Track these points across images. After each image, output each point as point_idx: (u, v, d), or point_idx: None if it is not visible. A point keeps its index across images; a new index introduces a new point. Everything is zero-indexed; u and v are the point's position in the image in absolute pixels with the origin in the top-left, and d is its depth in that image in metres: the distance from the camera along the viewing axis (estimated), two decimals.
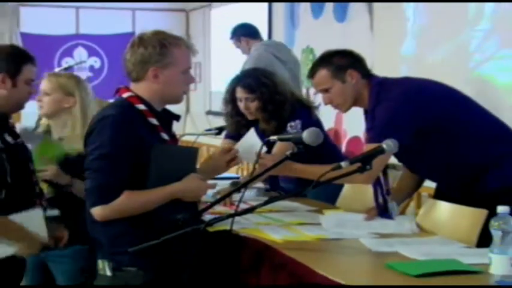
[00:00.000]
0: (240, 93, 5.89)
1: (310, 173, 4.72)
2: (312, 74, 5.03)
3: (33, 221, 4.17)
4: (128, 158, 3.85)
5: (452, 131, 4.83)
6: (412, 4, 7.85)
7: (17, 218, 4.06)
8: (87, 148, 4.00)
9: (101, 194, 3.85)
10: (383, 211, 4.93)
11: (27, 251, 4.20)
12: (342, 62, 4.93)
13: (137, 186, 3.86)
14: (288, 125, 5.66)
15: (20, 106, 4.41)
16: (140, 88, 4.02)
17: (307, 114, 5.89)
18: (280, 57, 8.75)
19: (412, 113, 4.73)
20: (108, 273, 3.95)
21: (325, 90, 4.96)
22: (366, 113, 5.04)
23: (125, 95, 4.03)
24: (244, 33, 9.45)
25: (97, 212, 3.86)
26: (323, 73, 4.94)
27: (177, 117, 4.18)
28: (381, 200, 4.91)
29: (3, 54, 4.38)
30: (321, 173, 3.96)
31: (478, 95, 5.34)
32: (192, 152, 4.27)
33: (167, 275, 3.94)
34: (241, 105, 5.87)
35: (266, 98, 5.81)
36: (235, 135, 6.00)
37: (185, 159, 4.10)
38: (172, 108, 4.18)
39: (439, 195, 5.12)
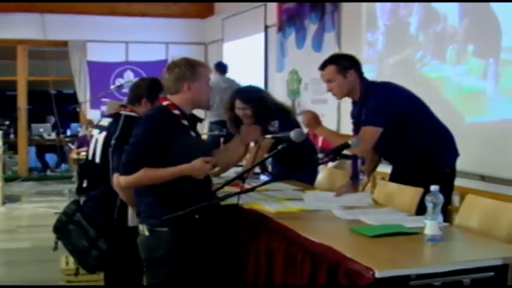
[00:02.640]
0: (238, 103, 5.95)
1: (330, 138, 5.21)
2: (322, 67, 5.03)
3: None
4: (153, 145, 3.90)
5: (416, 123, 4.86)
6: (369, 37, 7.85)
7: None
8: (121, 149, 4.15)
9: (125, 168, 3.92)
10: (356, 179, 5.13)
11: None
12: (346, 63, 4.96)
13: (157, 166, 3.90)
14: (269, 125, 5.68)
15: None
16: (176, 98, 4.05)
17: (285, 117, 5.94)
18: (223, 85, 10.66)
19: (393, 105, 4.78)
20: (146, 233, 3.98)
21: (328, 81, 4.99)
22: (354, 103, 5.07)
23: (165, 103, 4.07)
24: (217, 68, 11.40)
25: (121, 180, 3.97)
26: (331, 68, 4.95)
27: (200, 120, 4.22)
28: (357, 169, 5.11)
29: (145, 85, 4.78)
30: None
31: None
32: (206, 144, 4.33)
33: (188, 234, 3.96)
34: (239, 112, 5.94)
35: (256, 107, 5.89)
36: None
37: (200, 148, 4.11)
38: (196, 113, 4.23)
39: (392, 178, 5.13)
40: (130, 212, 4.40)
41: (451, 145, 4.96)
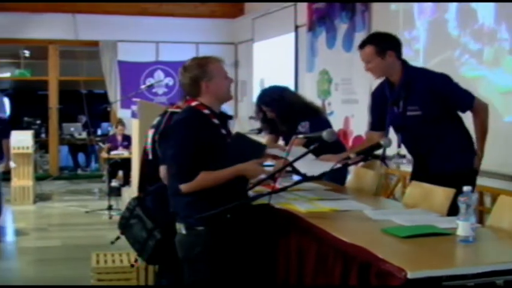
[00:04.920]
0: (264, 107, 6.07)
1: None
2: (361, 46, 5.02)
3: None
4: (198, 148, 3.91)
5: (457, 116, 4.95)
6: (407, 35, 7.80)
7: None
8: (166, 141, 4.16)
9: (182, 175, 3.94)
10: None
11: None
12: (385, 45, 4.93)
13: (208, 167, 3.92)
14: (299, 125, 5.74)
15: None
16: (202, 99, 4.07)
17: (314, 116, 5.95)
18: None
19: None
20: (183, 231, 4.02)
21: (367, 61, 4.98)
22: (391, 85, 5.04)
23: (193, 103, 4.08)
24: None
25: (183, 188, 3.94)
26: (369, 49, 4.94)
27: (230, 117, 4.29)
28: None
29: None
30: None
31: None
32: (261, 146, 4.32)
33: (221, 233, 3.98)
34: (268, 114, 6.04)
35: (278, 109, 5.98)
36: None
37: (254, 150, 4.13)
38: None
39: (414, 176, 5.13)
40: None
41: (472, 145, 4.97)
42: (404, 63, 4.99)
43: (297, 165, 4.48)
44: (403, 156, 5.20)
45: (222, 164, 3.97)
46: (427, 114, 4.86)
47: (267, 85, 8.47)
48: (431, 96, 4.83)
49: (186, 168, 3.92)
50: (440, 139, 4.92)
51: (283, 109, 5.95)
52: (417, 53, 7.56)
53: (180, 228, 4.05)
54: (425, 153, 5.05)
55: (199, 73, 4.04)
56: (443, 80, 4.91)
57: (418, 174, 5.09)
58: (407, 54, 7.41)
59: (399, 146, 5.19)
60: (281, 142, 6.31)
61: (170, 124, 4.29)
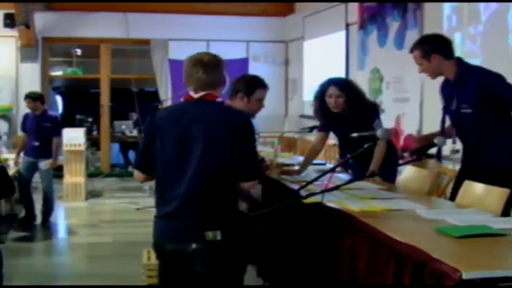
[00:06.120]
0: (332, 90, 5.91)
1: None
2: (411, 51, 5.14)
3: (256, 191, 4.64)
4: None
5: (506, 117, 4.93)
6: (459, 33, 7.71)
7: None
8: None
9: (258, 175, 3.91)
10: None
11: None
12: (428, 48, 5.00)
13: None
14: (374, 123, 5.64)
15: (253, 115, 4.88)
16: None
17: (377, 113, 5.94)
18: None
19: None
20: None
21: (418, 64, 5.09)
22: (448, 82, 5.12)
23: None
24: None
25: (249, 185, 3.88)
26: (416, 53, 5.07)
27: None
28: None
29: (244, 80, 5.03)
30: None
31: None
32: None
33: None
34: (330, 100, 5.90)
35: (350, 97, 5.88)
36: (324, 128, 6.25)
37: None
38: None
39: (461, 173, 5.16)
40: None
41: None
42: (459, 60, 5.03)
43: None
44: (458, 151, 5.19)
45: None
46: (477, 112, 4.88)
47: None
48: (482, 94, 4.83)
49: (259, 169, 4.04)
50: (490, 137, 4.92)
51: (353, 93, 5.96)
52: (482, 48, 7.45)
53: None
54: (475, 150, 5.05)
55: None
56: (496, 79, 4.90)
57: (466, 171, 5.11)
58: (472, 50, 7.35)
59: (454, 142, 5.23)
60: (331, 141, 6.30)
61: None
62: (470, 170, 5.01)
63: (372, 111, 5.88)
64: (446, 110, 5.18)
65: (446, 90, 5.15)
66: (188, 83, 3.75)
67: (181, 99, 3.81)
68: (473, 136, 4.99)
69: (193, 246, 3.58)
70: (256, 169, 3.84)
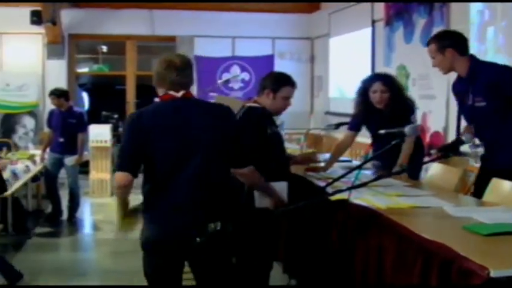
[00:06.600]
0: (377, 86, 5.98)
1: None
2: (427, 44, 5.24)
3: (280, 188, 4.52)
4: None
5: None
6: (492, 28, 7.65)
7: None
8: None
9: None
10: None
11: (274, 206, 4.48)
12: (445, 42, 5.08)
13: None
14: (411, 117, 5.79)
15: (279, 112, 4.93)
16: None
17: (413, 110, 6.05)
18: None
19: None
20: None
21: (432, 58, 5.18)
22: (460, 78, 5.22)
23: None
24: None
25: (239, 170, 4.04)
26: (432, 46, 5.16)
27: None
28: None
29: (272, 77, 5.03)
30: None
31: None
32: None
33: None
34: (375, 96, 5.92)
35: (394, 93, 5.95)
36: (355, 127, 6.25)
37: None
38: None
39: (482, 172, 5.20)
40: (256, 194, 4.53)
41: None
42: (472, 58, 5.12)
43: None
44: (478, 146, 5.18)
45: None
46: (491, 106, 4.92)
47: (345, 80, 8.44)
48: (495, 88, 4.89)
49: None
50: (505, 131, 4.94)
51: (397, 89, 6.05)
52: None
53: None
54: (491, 145, 5.08)
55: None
56: (508, 73, 5.00)
57: (485, 168, 5.18)
58: (504, 44, 7.27)
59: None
60: (359, 139, 6.27)
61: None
62: (490, 167, 5.06)
63: (411, 108, 5.93)
64: (461, 106, 5.28)
65: (460, 87, 5.24)
66: (163, 83, 3.83)
67: (178, 97, 3.84)
68: (489, 130, 5.01)
69: (199, 239, 3.72)
70: (247, 156, 3.99)
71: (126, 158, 3.85)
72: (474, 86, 5.00)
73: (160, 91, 3.85)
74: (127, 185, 3.84)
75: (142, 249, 3.92)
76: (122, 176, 3.81)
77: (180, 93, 3.79)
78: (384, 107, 5.89)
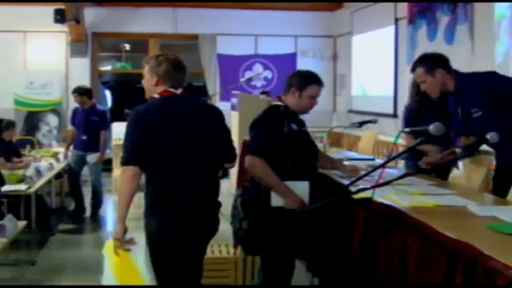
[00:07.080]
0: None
1: None
2: (412, 69, 5.27)
3: (301, 188, 4.49)
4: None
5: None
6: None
7: (290, 184, 4.48)
8: None
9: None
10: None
11: (291, 206, 4.47)
12: (432, 63, 5.11)
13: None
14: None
15: (304, 111, 4.82)
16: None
17: None
18: None
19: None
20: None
21: (421, 82, 5.18)
22: (449, 95, 5.24)
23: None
24: None
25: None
26: (419, 70, 5.17)
27: None
28: None
29: (298, 75, 4.90)
30: None
31: None
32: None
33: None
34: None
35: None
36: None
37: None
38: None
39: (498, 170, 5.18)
40: (273, 193, 4.51)
41: None
42: (455, 73, 5.16)
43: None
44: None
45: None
46: (487, 113, 4.95)
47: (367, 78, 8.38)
48: (483, 94, 4.94)
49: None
50: (507, 134, 4.86)
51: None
52: None
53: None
54: (498, 147, 5.04)
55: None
56: (489, 77, 5.06)
57: (499, 167, 5.17)
58: None
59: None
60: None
61: None
62: (502, 166, 5.08)
63: None
64: (455, 121, 5.26)
65: (452, 103, 5.26)
66: (168, 81, 4.21)
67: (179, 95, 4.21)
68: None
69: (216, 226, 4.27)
70: (234, 151, 4.37)
71: (134, 152, 4.00)
72: (465, 100, 5.05)
73: (160, 88, 4.18)
74: (131, 179, 4.09)
75: (157, 243, 4.37)
76: (127, 170, 4.06)
77: (178, 91, 4.16)
78: (435, 99, 5.73)
